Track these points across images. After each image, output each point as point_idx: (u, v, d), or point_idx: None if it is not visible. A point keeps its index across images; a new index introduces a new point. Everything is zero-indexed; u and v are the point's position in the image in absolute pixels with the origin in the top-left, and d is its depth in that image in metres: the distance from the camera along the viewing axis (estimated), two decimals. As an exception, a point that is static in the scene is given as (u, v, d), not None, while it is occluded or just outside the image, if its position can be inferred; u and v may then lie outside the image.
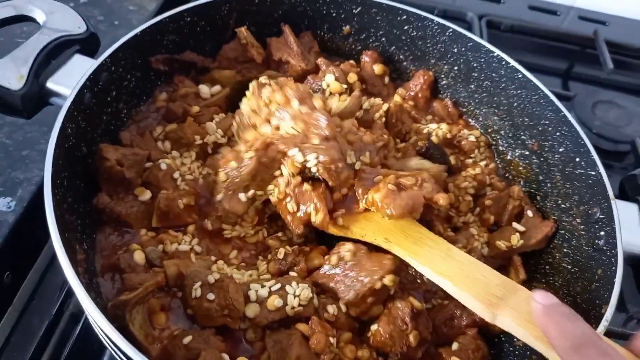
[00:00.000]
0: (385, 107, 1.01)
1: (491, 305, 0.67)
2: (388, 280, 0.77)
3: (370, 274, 0.77)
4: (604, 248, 0.79)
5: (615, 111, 1.43)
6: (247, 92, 0.90)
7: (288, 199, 0.84)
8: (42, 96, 0.84)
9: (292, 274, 0.81)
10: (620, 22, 1.75)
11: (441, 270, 0.73)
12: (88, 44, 0.91)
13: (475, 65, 1.06)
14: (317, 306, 0.77)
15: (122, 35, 0.91)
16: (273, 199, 0.85)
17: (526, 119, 1.00)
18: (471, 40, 1.05)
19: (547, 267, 0.89)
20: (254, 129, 0.87)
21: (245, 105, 0.89)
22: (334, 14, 1.12)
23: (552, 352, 0.60)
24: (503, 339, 0.84)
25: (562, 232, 0.89)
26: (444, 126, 1.01)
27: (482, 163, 1.01)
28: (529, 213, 0.93)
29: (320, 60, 1.07)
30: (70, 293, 0.93)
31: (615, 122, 1.40)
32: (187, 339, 0.70)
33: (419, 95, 1.11)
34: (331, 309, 0.77)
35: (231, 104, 0.99)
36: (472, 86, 1.09)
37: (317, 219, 0.82)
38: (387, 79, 1.12)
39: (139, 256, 0.78)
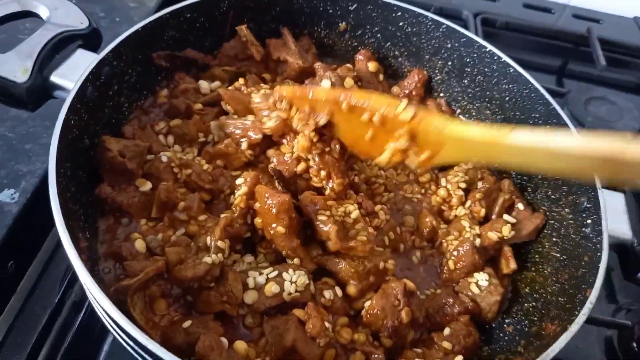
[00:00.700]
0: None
1: None
2: (390, 263, 0.81)
3: None
4: (590, 235, 0.81)
5: (607, 107, 1.46)
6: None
7: None
8: (46, 89, 0.87)
9: (289, 261, 0.83)
10: (613, 20, 1.78)
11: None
12: (90, 39, 0.93)
13: (468, 60, 1.08)
14: (314, 292, 0.79)
15: (123, 31, 0.93)
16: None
17: (517, 113, 1.02)
18: (464, 36, 1.07)
19: (536, 255, 0.92)
20: None
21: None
22: (331, 11, 1.15)
23: None
24: (494, 326, 0.87)
25: (552, 222, 0.92)
26: None
27: (474, 158, 1.04)
28: (520, 206, 0.96)
29: (318, 65, 1.09)
30: (72, 282, 0.95)
31: (607, 118, 1.43)
32: (187, 324, 0.73)
33: (413, 93, 1.13)
34: (327, 294, 0.79)
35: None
36: (465, 81, 1.11)
37: None
38: (381, 77, 1.14)
39: (140, 244, 0.80)
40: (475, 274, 0.88)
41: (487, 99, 1.08)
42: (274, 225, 0.81)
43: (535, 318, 0.84)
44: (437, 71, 1.14)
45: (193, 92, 1.02)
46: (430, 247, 0.93)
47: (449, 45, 1.10)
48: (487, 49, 1.05)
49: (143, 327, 0.71)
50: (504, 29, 1.64)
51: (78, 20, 0.92)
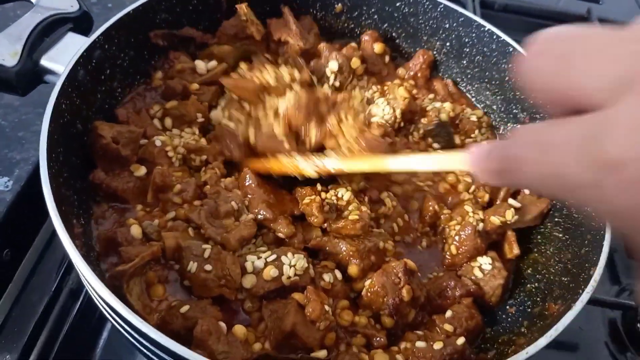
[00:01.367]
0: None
1: None
2: (390, 244, 0.82)
3: None
4: (593, 213, 0.80)
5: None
6: None
7: None
8: (36, 73, 0.85)
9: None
10: (613, 0, 1.75)
11: None
12: (81, 23, 0.91)
13: (466, 40, 1.07)
14: (313, 275, 0.78)
15: (115, 17, 0.91)
16: None
17: (517, 93, 1.01)
18: (462, 15, 1.05)
19: (539, 236, 0.91)
20: None
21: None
22: (326, -8, 1.13)
23: None
24: (497, 309, 0.86)
25: (554, 202, 0.90)
26: (447, 105, 1.02)
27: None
28: (525, 190, 0.94)
29: (323, 45, 1.07)
30: (68, 270, 0.95)
31: (608, 99, 1.41)
32: (185, 309, 0.72)
33: (419, 74, 1.11)
34: (327, 277, 0.78)
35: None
36: (464, 62, 1.09)
37: None
38: (387, 58, 1.12)
39: (136, 230, 0.78)
40: (479, 258, 0.87)
41: (486, 80, 1.07)
42: None
43: (538, 299, 0.83)
44: (435, 52, 1.13)
45: (189, 72, 1.00)
46: (434, 233, 0.92)
47: (447, 26, 1.08)
48: (486, 28, 1.03)
49: (140, 312, 0.70)
50: (503, 10, 1.62)
51: (68, 4, 0.90)
